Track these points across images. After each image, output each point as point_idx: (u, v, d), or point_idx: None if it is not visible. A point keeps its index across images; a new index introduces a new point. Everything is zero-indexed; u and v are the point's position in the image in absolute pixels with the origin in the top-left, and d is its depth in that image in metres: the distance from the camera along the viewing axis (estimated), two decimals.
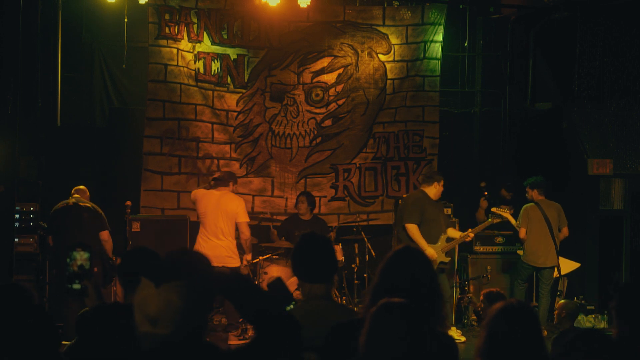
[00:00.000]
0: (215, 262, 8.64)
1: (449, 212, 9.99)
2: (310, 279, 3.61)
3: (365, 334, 2.74)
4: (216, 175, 9.13)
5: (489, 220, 9.35)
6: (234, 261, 8.80)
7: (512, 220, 9.83)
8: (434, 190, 8.80)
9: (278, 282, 3.63)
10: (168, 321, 2.47)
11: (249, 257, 9.00)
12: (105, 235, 8.78)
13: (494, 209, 10.12)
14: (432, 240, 8.64)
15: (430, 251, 8.48)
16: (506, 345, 2.94)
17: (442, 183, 8.89)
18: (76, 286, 3.18)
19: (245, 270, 9.43)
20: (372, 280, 3.43)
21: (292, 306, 3.56)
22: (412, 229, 8.61)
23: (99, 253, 8.54)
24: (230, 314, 8.97)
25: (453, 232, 9.07)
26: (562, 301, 7.63)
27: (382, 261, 3.42)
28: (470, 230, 9.11)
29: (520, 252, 9.78)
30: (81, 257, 3.21)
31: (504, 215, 9.99)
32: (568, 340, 2.96)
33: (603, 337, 3.00)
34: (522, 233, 9.55)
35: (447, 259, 8.83)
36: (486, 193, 10.81)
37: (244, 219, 8.77)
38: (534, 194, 9.62)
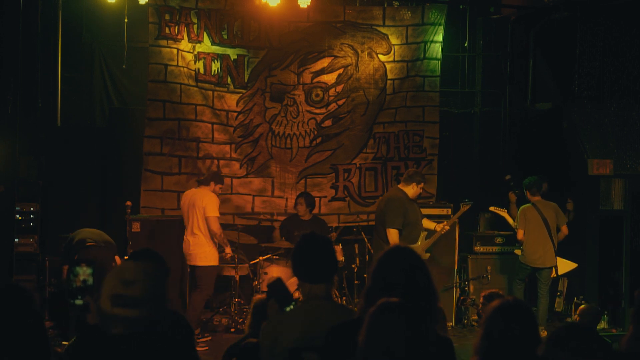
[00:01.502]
0: (187, 261, 8.72)
1: (449, 213, 9.98)
2: (310, 279, 3.61)
3: (364, 333, 2.74)
4: (201, 178, 9.22)
5: (461, 210, 9.33)
6: (201, 260, 8.74)
7: (510, 221, 9.83)
8: (412, 191, 8.75)
9: (278, 282, 3.64)
10: (141, 284, 2.85)
11: (227, 250, 8.98)
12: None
13: (491, 208, 10.13)
14: (413, 241, 8.59)
15: None
16: (503, 342, 2.95)
17: (421, 186, 8.81)
18: (78, 302, 3.18)
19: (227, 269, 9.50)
20: (366, 283, 3.43)
21: (292, 306, 3.57)
22: (394, 235, 8.52)
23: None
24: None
25: (427, 223, 9.08)
26: (582, 306, 7.29)
27: (373, 262, 3.42)
28: (445, 222, 9.13)
29: (518, 251, 9.78)
30: (84, 272, 3.20)
31: (501, 215, 10.00)
32: (554, 336, 2.96)
33: (589, 334, 3.00)
34: (520, 234, 9.55)
35: (427, 255, 8.78)
36: (512, 183, 10.59)
37: (212, 213, 8.75)
38: (528, 194, 9.63)
